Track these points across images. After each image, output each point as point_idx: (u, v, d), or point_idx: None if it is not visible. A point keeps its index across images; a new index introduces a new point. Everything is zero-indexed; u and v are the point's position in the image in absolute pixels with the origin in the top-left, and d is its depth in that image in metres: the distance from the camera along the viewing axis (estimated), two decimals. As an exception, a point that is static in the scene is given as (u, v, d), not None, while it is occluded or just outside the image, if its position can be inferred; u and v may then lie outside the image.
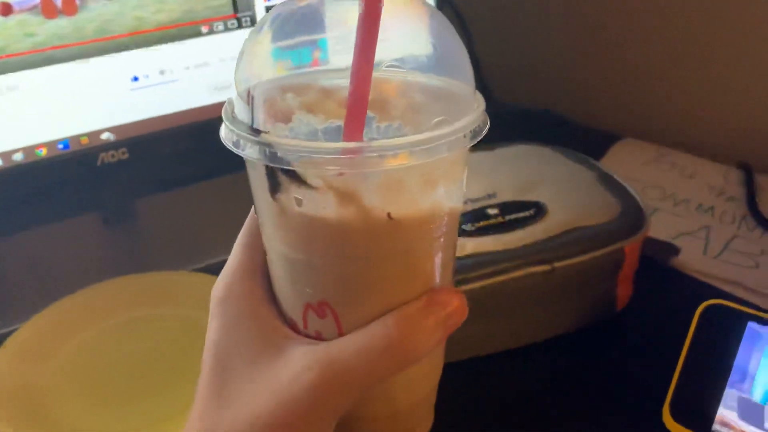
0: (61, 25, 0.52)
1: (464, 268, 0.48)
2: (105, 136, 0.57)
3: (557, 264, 0.49)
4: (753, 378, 0.44)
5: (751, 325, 0.45)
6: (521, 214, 0.52)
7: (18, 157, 0.54)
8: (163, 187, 0.74)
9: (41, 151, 0.55)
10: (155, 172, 0.74)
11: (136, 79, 0.57)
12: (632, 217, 0.52)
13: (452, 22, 0.33)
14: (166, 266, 0.59)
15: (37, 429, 0.44)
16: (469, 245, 0.49)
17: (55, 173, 0.56)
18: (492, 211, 0.52)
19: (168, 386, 0.48)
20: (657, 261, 0.61)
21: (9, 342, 0.50)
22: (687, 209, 0.69)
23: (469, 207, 0.53)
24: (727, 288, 0.58)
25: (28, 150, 0.54)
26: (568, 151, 0.61)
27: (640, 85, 0.85)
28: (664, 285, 0.59)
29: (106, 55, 0.55)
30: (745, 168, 0.73)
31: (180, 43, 0.58)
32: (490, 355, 0.51)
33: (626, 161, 0.78)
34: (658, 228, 0.65)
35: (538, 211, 0.52)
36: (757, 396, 0.43)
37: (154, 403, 0.47)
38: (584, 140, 0.74)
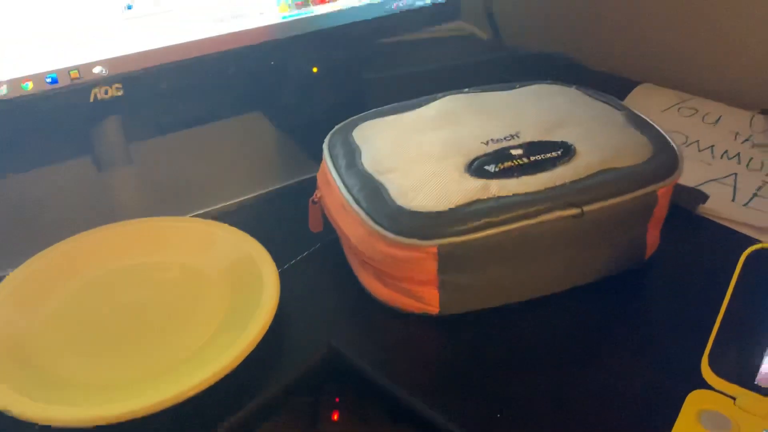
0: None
1: (488, 212, 0.44)
2: (97, 70, 0.53)
3: (587, 207, 0.45)
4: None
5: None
6: (547, 155, 0.48)
7: (2, 91, 0.50)
8: (159, 132, 0.70)
9: (27, 84, 0.50)
10: (151, 113, 0.70)
11: (130, 7, 0.52)
12: (666, 158, 0.49)
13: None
14: (162, 213, 0.56)
15: (24, 378, 0.41)
16: (493, 187, 0.46)
17: (45, 110, 0.52)
18: (516, 152, 0.49)
19: (165, 337, 0.45)
20: (682, 208, 0.58)
21: (-3, 289, 0.47)
22: (712, 156, 0.66)
23: (491, 147, 0.49)
24: (757, 236, 0.55)
25: (13, 83, 0.50)
26: (592, 91, 0.58)
27: (659, 29, 0.81)
28: (691, 233, 0.56)
29: (97, -20, 0.50)
30: (771, 114, 0.70)
31: (177, -32, 0.53)
32: (515, 305, 0.48)
33: (646, 107, 0.74)
34: (683, 174, 0.62)
35: (565, 151, 0.48)
36: (803, 347, 0.40)
37: (150, 355, 0.44)
38: (601, 86, 0.70)
